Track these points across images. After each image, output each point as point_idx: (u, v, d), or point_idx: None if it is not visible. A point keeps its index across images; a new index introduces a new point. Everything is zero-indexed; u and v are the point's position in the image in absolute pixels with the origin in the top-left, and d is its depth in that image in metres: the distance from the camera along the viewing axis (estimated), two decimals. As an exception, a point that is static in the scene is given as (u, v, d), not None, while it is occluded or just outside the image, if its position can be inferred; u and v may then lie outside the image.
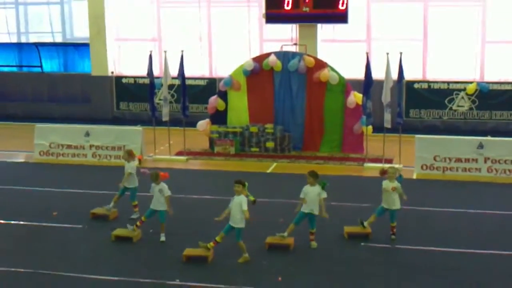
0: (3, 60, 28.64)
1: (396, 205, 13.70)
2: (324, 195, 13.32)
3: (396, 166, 15.73)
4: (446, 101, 23.69)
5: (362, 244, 13.60)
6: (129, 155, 15.19)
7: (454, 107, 23.67)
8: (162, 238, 13.77)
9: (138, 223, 13.92)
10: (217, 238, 12.75)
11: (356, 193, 16.57)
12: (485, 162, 18.30)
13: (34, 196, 17.03)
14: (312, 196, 13.27)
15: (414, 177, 18.53)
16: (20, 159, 21.01)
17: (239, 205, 12.48)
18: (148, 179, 13.91)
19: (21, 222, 15.11)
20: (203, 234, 13.87)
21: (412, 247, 13.41)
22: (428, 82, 23.97)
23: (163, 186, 13.75)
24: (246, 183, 12.78)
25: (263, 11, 24.19)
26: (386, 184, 13.74)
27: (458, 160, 18.46)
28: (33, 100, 27.58)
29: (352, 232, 13.94)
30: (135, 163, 15.16)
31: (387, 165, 15.47)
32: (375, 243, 13.61)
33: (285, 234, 13.37)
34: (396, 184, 13.70)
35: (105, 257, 13.20)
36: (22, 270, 12.53)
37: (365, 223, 13.86)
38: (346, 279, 12.07)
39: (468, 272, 12.28)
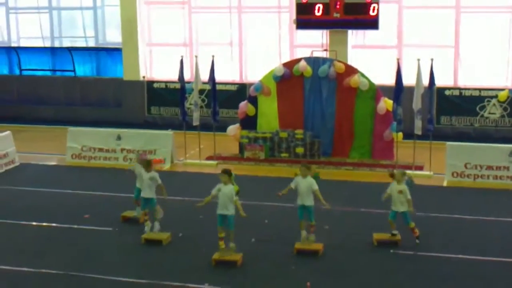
0: (37, 64, 29.01)
1: (404, 207, 13.77)
2: (316, 186, 13.34)
3: (407, 171, 15.77)
4: (477, 108, 23.51)
5: (391, 251, 13.56)
6: (148, 165, 14.41)
7: (485, 114, 23.48)
8: (157, 227, 14.11)
9: (146, 218, 14.18)
10: (220, 235, 12.92)
11: (385, 200, 16.49)
12: (517, 170, 18.17)
13: (66, 199, 17.23)
14: (303, 188, 13.31)
15: (445, 184, 18.42)
16: (53, 162, 21.27)
17: (229, 194, 12.67)
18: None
19: (53, 224, 15.30)
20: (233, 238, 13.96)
21: (442, 255, 13.33)
22: (460, 89, 23.81)
23: (155, 174, 14.04)
24: (233, 173, 12.96)
25: (294, 17, 24.23)
26: (393, 186, 13.88)
27: (489, 167, 18.32)
28: (66, 104, 27.90)
29: (381, 239, 13.92)
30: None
31: (395, 169, 15.53)
32: (405, 250, 13.57)
33: (303, 233, 13.46)
34: (402, 187, 13.78)
35: (135, 260, 13.32)
36: (53, 271, 12.70)
37: (394, 231, 13.87)
38: (372, 285, 12.05)
39: (498, 282, 12.19)
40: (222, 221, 12.90)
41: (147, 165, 14.17)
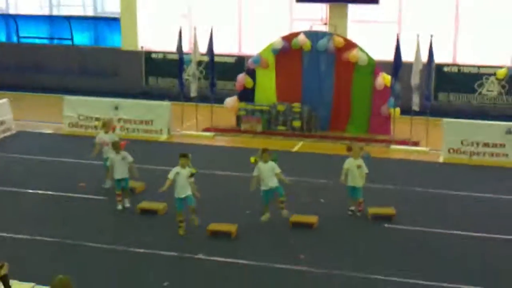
0: (35, 32, 28.85)
1: (359, 183, 13.89)
2: (278, 170, 13.47)
3: (362, 144, 15.80)
4: (475, 85, 23.48)
5: (386, 225, 13.64)
6: (117, 147, 14.59)
7: (483, 92, 23.46)
8: (127, 204, 14.32)
9: (119, 199, 14.32)
10: (180, 217, 13.09)
11: (381, 175, 16.54)
12: (513, 147, 18.21)
13: (62, 167, 17.26)
14: (267, 173, 13.41)
15: (441, 160, 18.46)
16: (50, 130, 21.25)
17: (186, 177, 12.87)
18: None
19: (49, 192, 15.34)
20: (227, 210, 14.04)
21: (436, 230, 13.42)
22: (458, 65, 23.75)
23: (125, 154, 14.25)
24: (190, 155, 13.15)
25: (294, -10, 24.09)
26: (350, 161, 13.95)
27: (486, 145, 18.33)
28: (63, 72, 27.79)
29: (376, 214, 13.99)
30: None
31: (354, 143, 15.48)
32: (398, 225, 13.64)
33: (264, 217, 13.56)
34: (360, 162, 13.88)
35: (130, 230, 13.39)
36: (48, 239, 12.77)
37: (352, 208, 14.09)
38: (368, 258, 12.14)
39: (493, 258, 12.28)
40: (181, 203, 13.03)
41: (117, 147, 14.34)
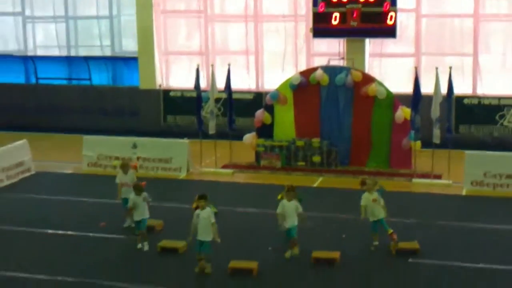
0: (53, 73, 29.05)
1: (382, 214, 13.82)
2: (300, 209, 13.48)
3: (375, 178, 15.71)
4: (497, 117, 23.27)
5: (410, 260, 13.39)
6: (140, 189, 14.56)
7: (505, 123, 23.23)
8: (146, 247, 14.13)
9: (139, 238, 14.29)
10: (199, 257, 12.86)
11: (403, 209, 16.33)
12: (537, 179, 17.92)
13: (82, 207, 17.19)
14: (290, 211, 13.40)
15: (464, 193, 18.20)
16: (69, 170, 21.24)
17: (208, 218, 12.60)
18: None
19: (69, 232, 15.26)
20: (248, 247, 13.85)
21: (462, 264, 13.16)
22: (479, 97, 23.58)
23: (145, 194, 14.26)
24: (207, 196, 12.89)
25: (311, 25, 24.11)
26: (366, 196, 13.86)
27: (509, 176, 18.07)
28: (82, 112, 27.90)
29: (400, 248, 13.74)
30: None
31: (366, 177, 15.41)
32: (423, 259, 13.39)
33: (288, 253, 13.49)
34: (375, 195, 13.80)
35: (150, 268, 13.23)
36: (69, 279, 12.65)
37: (375, 243, 13.97)
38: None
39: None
40: (201, 245, 12.80)
41: (140, 189, 14.30)
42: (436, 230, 15.12)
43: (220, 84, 21.05)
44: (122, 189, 15.30)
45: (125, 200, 15.00)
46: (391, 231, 13.80)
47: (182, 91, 26.01)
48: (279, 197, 13.70)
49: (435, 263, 13.24)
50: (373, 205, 13.80)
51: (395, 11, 22.95)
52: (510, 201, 17.44)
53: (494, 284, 12.31)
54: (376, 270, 13.03)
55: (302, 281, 12.54)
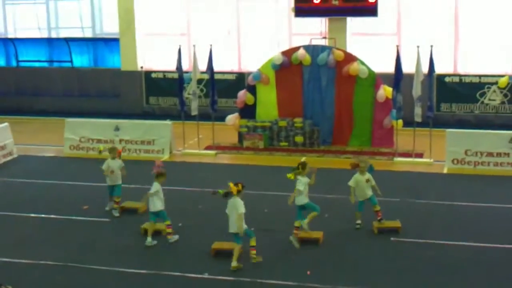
0: (34, 55, 28.85)
1: (369, 193, 13.93)
2: (312, 181, 13.44)
3: (366, 158, 15.81)
4: (477, 95, 23.38)
5: (392, 239, 13.49)
6: (113, 152, 15.47)
7: (485, 101, 23.35)
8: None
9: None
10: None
11: (385, 187, 16.37)
12: (517, 156, 18.07)
13: (64, 190, 17.15)
14: (302, 189, 13.24)
15: (445, 171, 18.33)
16: (51, 153, 21.15)
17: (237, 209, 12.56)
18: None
19: (52, 216, 15.22)
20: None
21: (442, 242, 13.27)
22: (459, 75, 23.66)
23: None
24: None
25: (292, 4, 24.05)
26: (359, 177, 13.94)
27: (490, 154, 18.22)
28: (64, 95, 27.76)
29: (382, 227, 13.84)
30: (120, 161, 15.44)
31: (358, 158, 15.40)
32: (405, 238, 13.49)
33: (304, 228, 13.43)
34: (368, 176, 13.93)
35: (134, 251, 13.24)
36: (52, 263, 12.63)
37: (359, 221, 14.04)
38: (375, 273, 11.98)
39: (500, 269, 12.12)
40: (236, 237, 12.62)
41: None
42: (418, 208, 15.22)
43: (202, 65, 20.98)
44: (108, 176, 15.27)
45: (110, 187, 15.29)
46: (378, 208, 13.88)
47: (164, 72, 25.93)
48: (291, 177, 13.43)
49: (417, 241, 13.34)
50: (365, 185, 13.86)
51: (376, -10, 22.94)
52: (491, 178, 17.60)
53: (475, 262, 12.42)
54: (358, 249, 13.10)
55: (286, 261, 12.60)
